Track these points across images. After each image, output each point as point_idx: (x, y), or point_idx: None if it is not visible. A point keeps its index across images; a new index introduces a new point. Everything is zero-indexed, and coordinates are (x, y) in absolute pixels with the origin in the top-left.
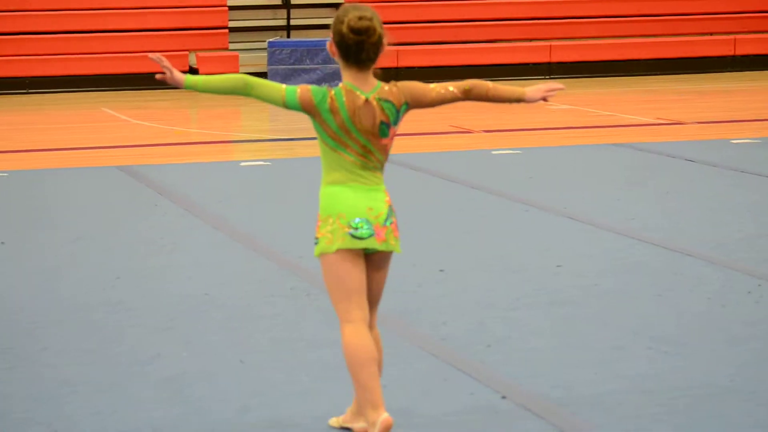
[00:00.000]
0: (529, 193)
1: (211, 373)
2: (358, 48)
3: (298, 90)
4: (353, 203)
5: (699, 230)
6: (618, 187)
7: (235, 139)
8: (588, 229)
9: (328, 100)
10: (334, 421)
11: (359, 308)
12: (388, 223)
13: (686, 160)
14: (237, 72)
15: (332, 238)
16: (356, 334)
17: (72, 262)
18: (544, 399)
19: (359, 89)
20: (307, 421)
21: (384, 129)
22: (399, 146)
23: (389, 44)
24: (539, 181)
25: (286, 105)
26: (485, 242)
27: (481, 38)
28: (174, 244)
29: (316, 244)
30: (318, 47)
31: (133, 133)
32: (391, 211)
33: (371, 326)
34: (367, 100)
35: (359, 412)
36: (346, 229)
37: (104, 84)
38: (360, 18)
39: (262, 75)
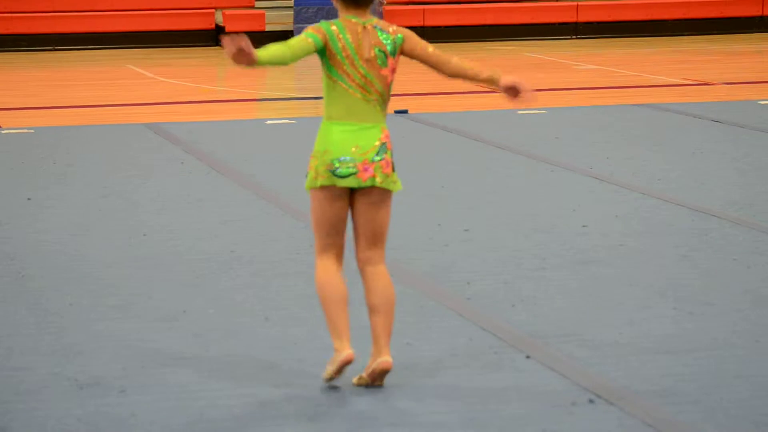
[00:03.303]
0: (555, 153)
1: (236, 330)
2: None
3: (312, 30)
4: (340, 141)
5: (725, 191)
6: (644, 147)
7: (261, 97)
8: (614, 189)
9: (332, 26)
10: (356, 381)
11: (334, 244)
12: (377, 159)
13: (713, 120)
14: (263, 30)
15: (317, 173)
16: (326, 270)
17: (98, 219)
18: (569, 359)
19: (357, 18)
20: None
21: (382, 57)
22: (425, 105)
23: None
24: (565, 142)
25: (317, 49)
26: (511, 202)
27: None
28: (200, 202)
29: (306, 177)
30: None
31: (159, 90)
32: (383, 148)
33: (377, 264)
34: (363, 26)
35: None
36: (329, 167)
37: (131, 41)
38: None
39: (288, 34)
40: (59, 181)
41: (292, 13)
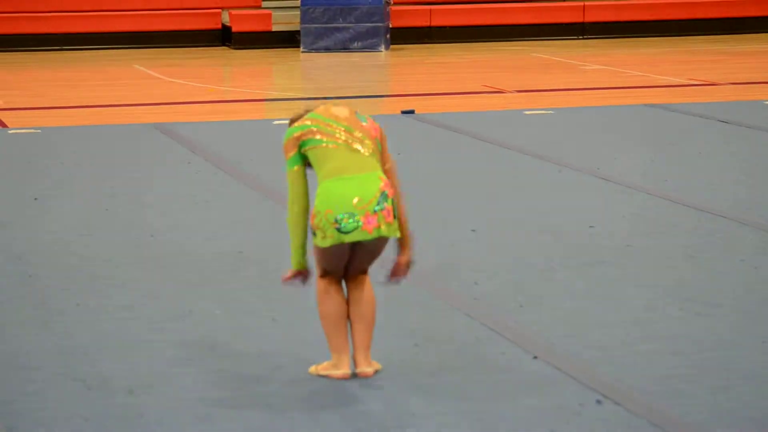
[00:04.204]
0: (562, 153)
1: (244, 331)
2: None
3: (291, 153)
4: (341, 196)
5: (732, 191)
6: (651, 148)
7: (268, 97)
8: (621, 189)
9: (307, 122)
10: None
11: (336, 275)
12: (378, 209)
13: (720, 121)
14: (270, 30)
15: (324, 233)
16: (327, 288)
17: (105, 219)
18: (576, 359)
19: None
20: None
21: (361, 116)
22: (431, 106)
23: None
24: (572, 142)
25: (304, 166)
26: (518, 202)
27: None
28: (207, 202)
29: (314, 235)
30: (351, 6)
31: (166, 90)
32: (384, 197)
33: (362, 285)
34: (336, 104)
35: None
36: (334, 225)
37: (137, 41)
38: None
39: (295, 34)
40: (66, 181)
41: (299, 13)
